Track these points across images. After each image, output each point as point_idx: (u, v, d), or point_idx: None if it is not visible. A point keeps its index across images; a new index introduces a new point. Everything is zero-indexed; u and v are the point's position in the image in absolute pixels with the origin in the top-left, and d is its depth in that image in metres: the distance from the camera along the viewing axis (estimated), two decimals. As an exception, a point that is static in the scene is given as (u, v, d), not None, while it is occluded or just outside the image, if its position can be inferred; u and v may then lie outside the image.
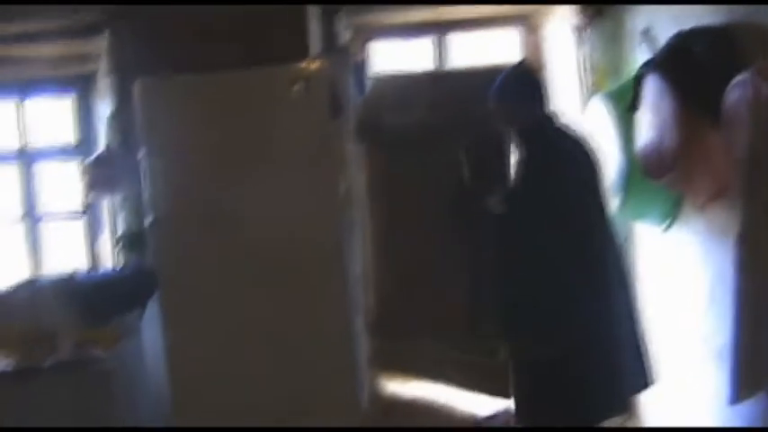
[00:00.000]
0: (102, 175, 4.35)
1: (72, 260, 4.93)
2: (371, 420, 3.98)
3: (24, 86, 4.95)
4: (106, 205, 4.75)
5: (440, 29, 5.13)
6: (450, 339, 4.60)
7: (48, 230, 4.98)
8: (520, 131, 3.59)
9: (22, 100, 4.98)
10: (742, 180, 2.89)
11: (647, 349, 3.55)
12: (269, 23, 4.09)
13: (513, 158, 4.16)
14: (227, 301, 3.82)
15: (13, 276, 4.24)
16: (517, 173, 3.58)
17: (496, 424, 4.32)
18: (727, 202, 3.24)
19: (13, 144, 5.00)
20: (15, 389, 3.65)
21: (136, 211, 4.23)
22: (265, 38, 4.06)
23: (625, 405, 3.57)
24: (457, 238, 4.52)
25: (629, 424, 4.09)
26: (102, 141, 4.66)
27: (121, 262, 4.43)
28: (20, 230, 4.96)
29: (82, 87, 4.98)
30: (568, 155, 3.51)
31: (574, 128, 3.66)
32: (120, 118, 4.32)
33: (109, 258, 4.74)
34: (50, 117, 5.07)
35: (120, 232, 4.47)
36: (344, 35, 4.68)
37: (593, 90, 4.50)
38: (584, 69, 4.58)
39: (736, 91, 2.86)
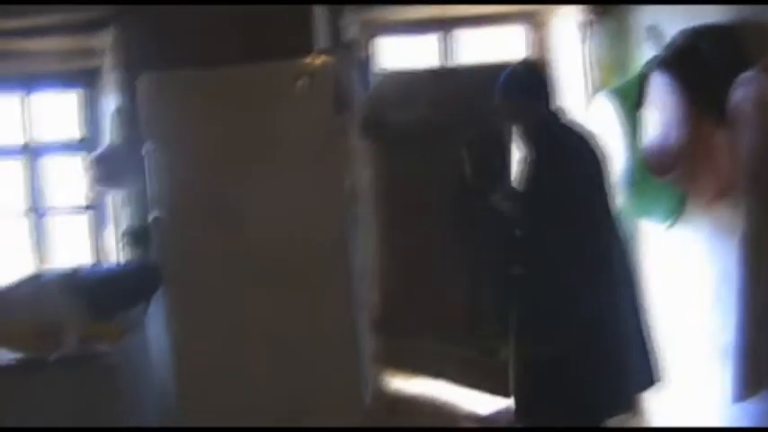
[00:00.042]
0: (106, 170, 4.35)
1: (76, 255, 4.93)
2: (375, 418, 3.97)
3: (30, 81, 4.94)
4: (111, 200, 4.76)
5: (445, 25, 5.12)
6: (450, 338, 4.60)
7: (52, 225, 4.98)
8: (525, 128, 3.58)
9: (28, 94, 4.98)
10: (747, 178, 2.88)
11: (653, 347, 3.54)
12: (274, 19, 4.09)
13: (516, 155, 4.16)
14: (232, 296, 3.82)
15: (18, 271, 4.24)
16: (523, 170, 3.58)
17: (499, 423, 4.31)
18: (732, 201, 3.23)
19: (18, 138, 4.99)
20: (20, 383, 3.66)
21: (140, 206, 4.24)
22: (270, 33, 4.05)
23: (630, 403, 3.56)
24: (458, 237, 4.52)
25: (634, 422, 4.08)
26: (107, 136, 4.67)
27: (126, 257, 4.43)
28: (24, 225, 4.97)
29: (87, 82, 4.98)
30: (574, 152, 3.50)
31: (579, 125, 3.66)
32: (126, 113, 4.32)
33: (113, 253, 4.74)
34: (55, 112, 5.07)
35: (124, 227, 4.47)
36: (350, 31, 4.67)
37: (598, 87, 4.49)
38: (590, 66, 4.57)
39: (742, 89, 2.86)
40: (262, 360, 3.81)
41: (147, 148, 3.86)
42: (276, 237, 3.80)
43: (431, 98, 4.63)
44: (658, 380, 3.55)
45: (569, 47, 4.77)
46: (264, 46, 3.98)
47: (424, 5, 4.80)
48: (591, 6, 4.48)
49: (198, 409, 3.81)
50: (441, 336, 4.61)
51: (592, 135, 3.61)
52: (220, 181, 3.82)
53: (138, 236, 4.28)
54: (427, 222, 4.63)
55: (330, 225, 3.82)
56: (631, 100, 3.66)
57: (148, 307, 4.04)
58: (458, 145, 4.14)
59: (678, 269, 3.93)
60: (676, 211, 3.83)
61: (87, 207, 5.01)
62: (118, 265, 4.54)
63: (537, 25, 5.14)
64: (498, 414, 4.31)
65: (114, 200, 4.70)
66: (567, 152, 3.48)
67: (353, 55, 4.50)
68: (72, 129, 5.05)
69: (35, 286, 4.02)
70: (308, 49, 4.01)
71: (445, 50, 5.15)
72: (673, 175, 3.45)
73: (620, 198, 3.81)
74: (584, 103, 4.55)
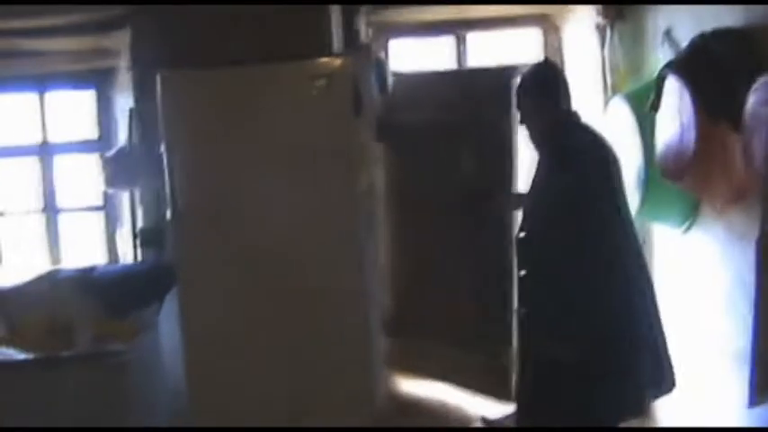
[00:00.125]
0: (122, 169, 4.37)
1: (91, 253, 4.96)
2: (386, 418, 3.98)
3: (45, 80, 4.98)
4: (126, 199, 4.77)
5: (460, 28, 5.13)
6: (458, 339, 4.59)
7: (67, 224, 5.01)
8: (540, 129, 3.57)
9: (43, 94, 5.01)
10: (763, 183, 2.87)
11: (668, 353, 3.51)
12: (290, 20, 4.09)
13: (523, 157, 4.17)
14: (245, 296, 3.83)
15: (33, 268, 4.27)
16: (537, 171, 3.57)
17: (508, 425, 4.30)
18: (745, 205, 3.22)
19: (33, 137, 5.03)
20: (34, 379, 3.68)
21: (155, 205, 4.25)
22: (287, 34, 4.06)
23: (642, 408, 3.55)
24: (466, 238, 4.51)
25: (646, 425, 4.07)
26: (122, 135, 4.68)
27: (140, 256, 4.45)
28: (40, 223, 4.99)
29: (103, 81, 5.00)
30: (587, 153, 3.49)
31: (593, 127, 3.65)
32: (141, 112, 4.33)
33: (128, 252, 4.76)
34: (71, 111, 5.10)
35: (139, 226, 4.48)
36: (365, 33, 4.68)
37: (613, 90, 4.48)
38: (605, 69, 4.56)
39: (757, 94, 2.84)
40: (274, 359, 3.82)
41: (162, 147, 3.87)
42: (291, 237, 3.81)
43: (442, 100, 4.63)
44: (674, 386, 3.53)
45: (585, 50, 4.76)
46: (281, 47, 3.98)
47: (439, 7, 4.80)
48: (606, 10, 4.47)
49: (210, 408, 3.82)
50: (450, 337, 4.61)
51: (605, 138, 3.60)
52: (235, 181, 3.83)
53: (152, 235, 4.29)
54: (438, 223, 4.63)
55: (346, 226, 3.82)
56: (646, 103, 3.65)
57: (161, 306, 4.05)
58: (468, 146, 4.15)
59: (691, 273, 3.91)
60: (691, 216, 3.82)
61: (102, 206, 5.04)
62: (132, 264, 4.56)
63: (552, 28, 5.14)
64: (507, 417, 4.31)
65: (129, 199, 4.72)
66: (580, 153, 3.46)
67: (370, 56, 4.50)
68: (87, 128, 5.08)
69: (49, 284, 4.05)
70: (324, 50, 4.02)
71: (459, 53, 5.15)
72: (687, 180, 3.44)
73: (634, 202, 3.79)
74: (599, 106, 4.54)
